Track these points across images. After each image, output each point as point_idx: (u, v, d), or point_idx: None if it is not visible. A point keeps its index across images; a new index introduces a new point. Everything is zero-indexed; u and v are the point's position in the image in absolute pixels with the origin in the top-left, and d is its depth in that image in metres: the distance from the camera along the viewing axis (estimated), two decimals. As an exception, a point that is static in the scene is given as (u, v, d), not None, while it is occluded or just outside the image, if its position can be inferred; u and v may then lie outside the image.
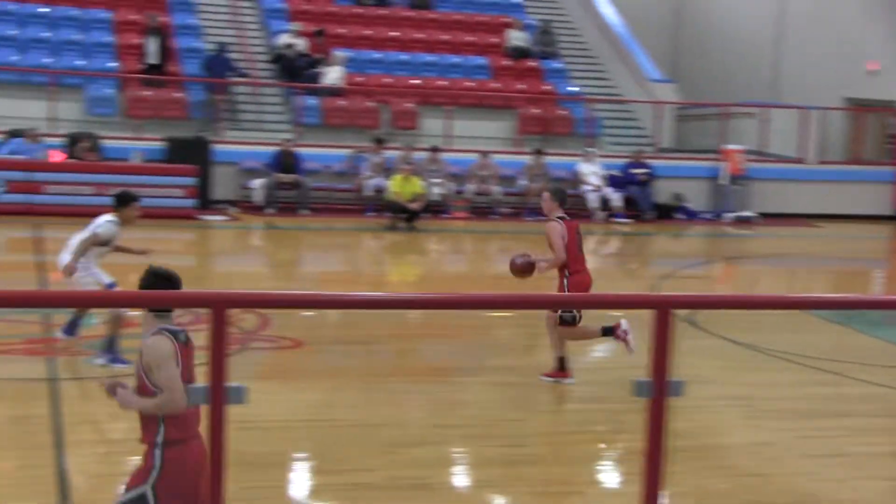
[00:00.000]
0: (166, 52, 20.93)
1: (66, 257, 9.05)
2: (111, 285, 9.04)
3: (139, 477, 4.64)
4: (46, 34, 21.47)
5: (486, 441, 7.69)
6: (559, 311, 8.83)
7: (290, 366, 9.66)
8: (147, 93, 20.76)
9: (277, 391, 8.57)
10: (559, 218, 9.05)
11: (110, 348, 8.97)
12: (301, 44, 22.30)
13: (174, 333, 4.65)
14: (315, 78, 21.88)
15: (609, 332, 9.01)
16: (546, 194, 9.28)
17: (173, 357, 4.57)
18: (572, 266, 8.95)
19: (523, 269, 9.04)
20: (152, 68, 20.78)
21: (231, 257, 16.61)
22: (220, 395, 3.46)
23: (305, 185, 19.61)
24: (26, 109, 19.43)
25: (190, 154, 18.85)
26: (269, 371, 9.32)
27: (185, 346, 4.69)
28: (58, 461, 6.70)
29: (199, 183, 18.56)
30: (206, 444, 3.80)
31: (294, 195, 19.63)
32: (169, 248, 16.90)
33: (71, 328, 9.36)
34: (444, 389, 9.12)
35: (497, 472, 7.09)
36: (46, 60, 20.80)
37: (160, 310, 4.66)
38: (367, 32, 23.96)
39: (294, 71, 21.91)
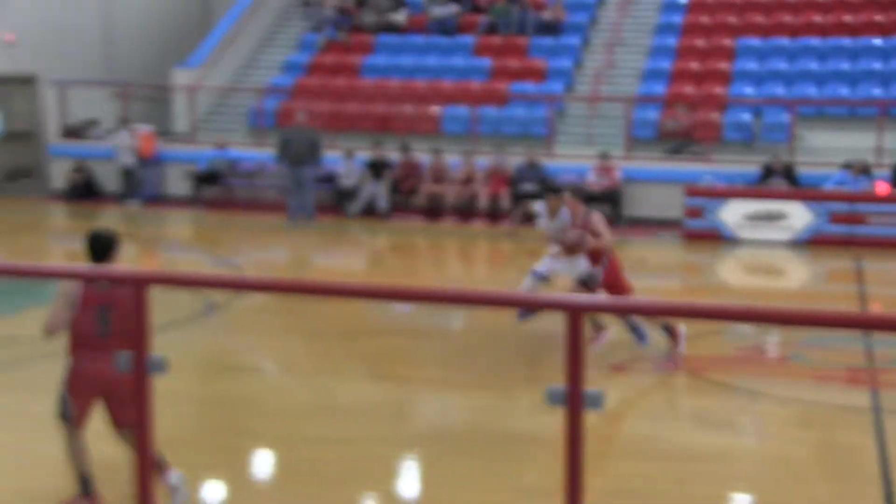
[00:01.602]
0: None
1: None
2: (536, 273, 10.21)
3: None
4: (878, 65, 21.26)
5: None
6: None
7: None
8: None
9: None
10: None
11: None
12: None
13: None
14: None
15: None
16: (566, 195, 10.15)
17: (66, 296, 5.45)
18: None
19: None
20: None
21: None
22: None
23: None
24: (854, 141, 19.48)
25: None
26: None
27: (99, 291, 5.40)
28: (883, 493, 6.51)
29: None
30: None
31: None
32: None
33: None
34: None
35: None
36: (876, 91, 20.63)
37: (94, 257, 5.63)
38: None
39: None
